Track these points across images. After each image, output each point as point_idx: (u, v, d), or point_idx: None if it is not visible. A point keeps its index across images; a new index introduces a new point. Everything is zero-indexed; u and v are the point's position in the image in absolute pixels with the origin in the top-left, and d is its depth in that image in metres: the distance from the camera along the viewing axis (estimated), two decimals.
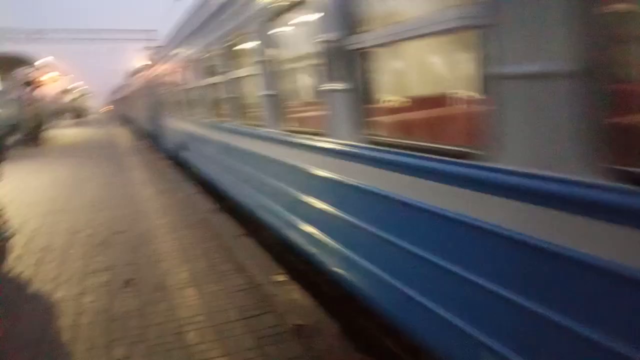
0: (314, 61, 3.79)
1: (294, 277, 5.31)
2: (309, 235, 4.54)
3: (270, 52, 5.02)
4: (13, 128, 25.05)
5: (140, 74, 25.91)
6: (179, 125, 12.44)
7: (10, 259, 6.54)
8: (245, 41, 5.75)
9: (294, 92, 6.99)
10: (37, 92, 32.15)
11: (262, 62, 5.24)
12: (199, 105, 9.42)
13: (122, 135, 29.96)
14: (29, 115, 27.79)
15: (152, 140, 21.14)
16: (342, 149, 3.56)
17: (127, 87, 43.09)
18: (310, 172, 4.24)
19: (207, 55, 7.81)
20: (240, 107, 6.64)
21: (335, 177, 3.73)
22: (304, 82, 7.32)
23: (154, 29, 51.45)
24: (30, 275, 5.87)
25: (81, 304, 4.95)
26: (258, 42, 5.20)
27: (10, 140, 22.27)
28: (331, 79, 3.53)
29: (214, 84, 7.70)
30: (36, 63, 29.70)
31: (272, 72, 5.10)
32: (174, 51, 11.58)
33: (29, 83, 30.54)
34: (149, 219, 8.30)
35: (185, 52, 10.08)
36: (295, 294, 4.88)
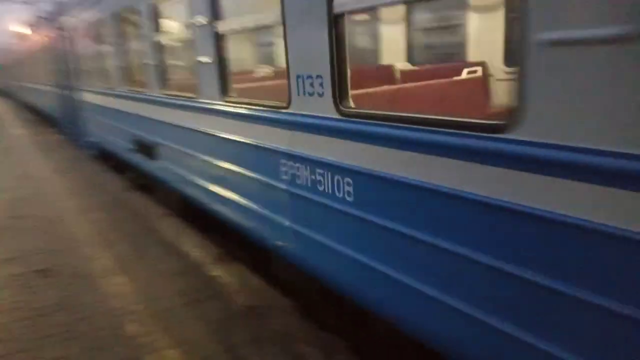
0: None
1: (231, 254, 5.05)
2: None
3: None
4: None
5: (32, 39, 20.88)
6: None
7: None
8: None
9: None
10: None
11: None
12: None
13: (3, 110, 26.98)
14: None
15: (63, 127, 14.50)
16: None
17: (10, 53, 37.70)
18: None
19: None
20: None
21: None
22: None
23: None
24: None
25: None
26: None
27: None
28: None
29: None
30: None
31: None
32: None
33: None
34: (54, 201, 7.48)
35: None
36: (241, 274, 4.63)
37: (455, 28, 5.48)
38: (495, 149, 1.99)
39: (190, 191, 5.39)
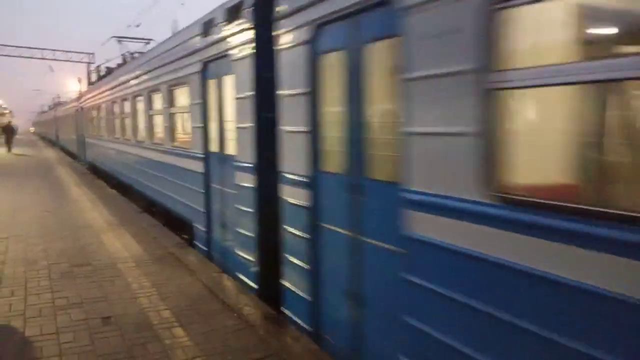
0: None
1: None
2: None
3: None
4: None
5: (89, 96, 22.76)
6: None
7: None
8: None
9: None
10: None
11: None
12: None
13: (52, 158, 28.35)
14: None
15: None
16: None
17: (60, 109, 40.62)
18: None
19: None
20: None
21: None
22: None
23: (91, 52, 49.48)
24: None
25: (60, 344, 4.53)
26: None
27: None
28: None
29: None
30: None
31: None
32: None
33: None
34: (108, 250, 7.82)
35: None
36: (300, 339, 4.72)
37: None
38: None
39: None
